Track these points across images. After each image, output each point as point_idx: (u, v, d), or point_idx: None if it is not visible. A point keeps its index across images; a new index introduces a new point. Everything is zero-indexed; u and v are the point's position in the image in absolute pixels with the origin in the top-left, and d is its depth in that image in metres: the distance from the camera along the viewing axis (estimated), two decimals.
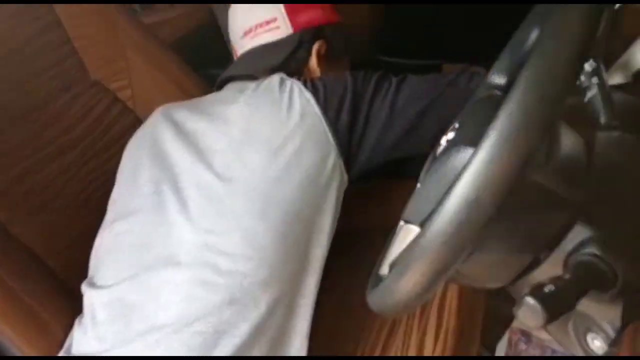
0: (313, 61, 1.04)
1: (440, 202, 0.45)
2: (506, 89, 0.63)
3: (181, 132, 0.92)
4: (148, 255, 0.80)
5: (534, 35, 0.60)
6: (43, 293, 0.85)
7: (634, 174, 0.58)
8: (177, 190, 0.84)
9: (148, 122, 1.00)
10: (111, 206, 0.93)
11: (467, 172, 0.43)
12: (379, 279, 0.58)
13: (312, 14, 1.05)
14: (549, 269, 0.53)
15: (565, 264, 0.51)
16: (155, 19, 1.44)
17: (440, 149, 0.60)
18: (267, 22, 1.03)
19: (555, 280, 0.44)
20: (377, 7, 1.57)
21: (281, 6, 1.04)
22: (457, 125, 0.60)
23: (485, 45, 0.90)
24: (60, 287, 0.90)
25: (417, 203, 0.59)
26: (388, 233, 0.63)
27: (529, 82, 0.43)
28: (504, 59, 0.64)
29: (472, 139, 0.54)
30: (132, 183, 0.90)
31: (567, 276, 0.46)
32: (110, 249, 0.85)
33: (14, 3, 1.05)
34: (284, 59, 1.02)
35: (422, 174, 0.65)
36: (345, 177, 0.91)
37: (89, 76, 1.13)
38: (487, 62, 0.68)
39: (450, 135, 0.59)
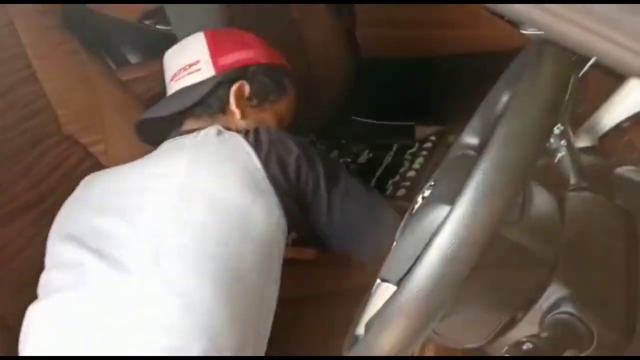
0: (232, 102, 1.00)
1: (417, 260, 0.45)
2: (479, 149, 0.64)
3: (107, 198, 0.87)
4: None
5: (504, 98, 0.63)
6: None
7: (604, 233, 0.59)
8: (104, 258, 0.77)
9: (77, 191, 0.94)
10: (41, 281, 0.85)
11: (443, 230, 0.44)
12: (356, 338, 0.57)
13: (239, 55, 1.02)
14: (526, 328, 0.53)
15: (542, 323, 0.51)
16: (130, 76, 1.45)
17: (416, 206, 0.61)
18: (190, 65, 1.02)
19: (533, 338, 0.44)
20: (351, 68, 1.61)
21: (206, 48, 1.02)
22: (432, 183, 0.60)
23: (456, 107, 0.93)
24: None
25: (393, 261, 0.59)
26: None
27: (501, 143, 0.44)
28: (476, 120, 0.66)
29: (447, 196, 0.54)
30: (56, 256, 0.84)
31: (544, 334, 0.46)
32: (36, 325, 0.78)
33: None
34: (198, 99, 0.99)
35: (397, 232, 0.65)
36: (286, 237, 0.87)
37: (61, 130, 1.12)
38: (458, 123, 0.70)
39: (426, 192, 0.60)
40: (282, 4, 1.38)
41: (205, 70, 1.01)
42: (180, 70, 1.03)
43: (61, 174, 1.08)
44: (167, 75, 1.07)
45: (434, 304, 0.43)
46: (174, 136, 0.97)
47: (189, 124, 1.01)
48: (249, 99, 1.02)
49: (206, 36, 1.04)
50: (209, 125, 0.94)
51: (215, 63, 1.01)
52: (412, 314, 0.43)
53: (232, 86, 1.00)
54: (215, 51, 1.02)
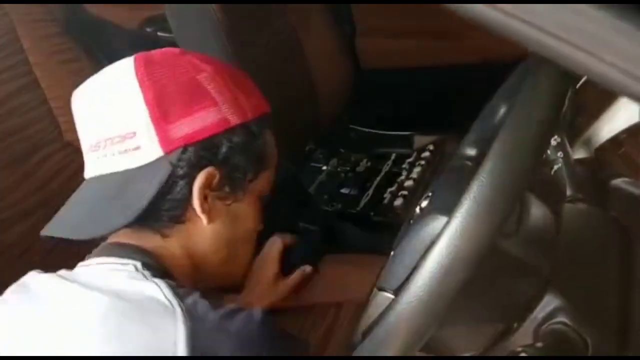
0: (196, 205, 0.64)
1: (414, 270, 0.46)
2: (477, 160, 0.65)
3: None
4: None
5: (502, 110, 0.64)
6: None
7: (600, 245, 0.60)
8: None
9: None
10: None
11: (440, 241, 0.44)
12: (353, 347, 0.58)
13: (202, 117, 0.63)
14: (521, 338, 0.54)
15: (537, 333, 0.52)
16: None
17: (413, 216, 0.62)
18: (122, 137, 0.62)
19: (528, 348, 0.44)
20: (350, 77, 1.62)
21: (144, 107, 0.62)
22: (430, 194, 0.61)
23: (454, 117, 0.93)
24: None
25: (391, 270, 0.59)
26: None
27: (500, 154, 0.45)
28: (474, 132, 0.67)
29: (445, 208, 0.55)
30: None
31: (539, 345, 0.47)
32: None
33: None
34: (142, 212, 0.62)
35: (395, 242, 0.65)
36: None
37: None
38: (457, 133, 0.71)
39: (424, 203, 0.61)
40: (281, 9, 1.38)
41: (149, 149, 0.62)
42: (105, 140, 0.64)
43: (62, 181, 1.08)
44: (82, 137, 0.68)
45: (431, 314, 0.44)
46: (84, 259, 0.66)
47: (114, 235, 0.66)
48: (217, 188, 0.66)
49: (142, 80, 0.63)
50: (147, 244, 0.65)
51: (162, 136, 0.62)
52: (409, 323, 0.44)
53: (194, 176, 0.64)
54: (161, 114, 0.62)
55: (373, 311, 0.57)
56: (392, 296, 0.54)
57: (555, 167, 0.68)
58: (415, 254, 0.53)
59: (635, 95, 0.36)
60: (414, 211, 0.62)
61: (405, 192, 1.27)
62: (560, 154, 0.69)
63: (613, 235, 0.59)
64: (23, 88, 1.08)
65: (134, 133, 0.62)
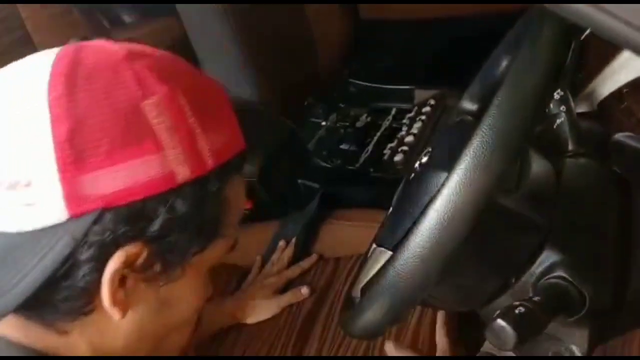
0: (105, 298, 0.44)
1: (413, 226, 0.46)
2: (478, 115, 0.64)
3: None
4: None
5: (504, 63, 0.62)
6: None
7: (600, 200, 0.60)
8: None
9: None
10: None
11: (439, 197, 0.44)
12: (352, 302, 0.58)
13: (132, 171, 0.42)
14: (519, 293, 0.54)
15: (535, 288, 0.52)
16: (124, 36, 1.42)
17: (413, 173, 0.61)
18: (12, 185, 0.41)
19: (525, 303, 0.45)
20: (349, 30, 1.59)
21: (52, 152, 0.41)
22: (430, 149, 0.61)
23: (455, 70, 0.92)
24: None
25: (390, 227, 0.59)
26: None
27: (500, 110, 0.44)
28: (475, 86, 0.66)
29: (444, 163, 0.54)
30: None
31: (536, 299, 0.47)
32: None
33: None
34: (23, 302, 0.43)
35: (395, 198, 0.65)
36: None
37: None
38: (458, 87, 0.70)
39: (424, 159, 0.60)
40: None
41: (45, 209, 0.41)
42: None
43: None
44: None
45: (429, 271, 0.44)
46: None
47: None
48: (142, 269, 0.45)
49: (54, 103, 0.41)
50: (38, 341, 0.47)
51: (69, 192, 0.41)
52: (407, 281, 0.44)
53: (107, 257, 0.43)
54: (74, 158, 0.41)
55: (371, 267, 0.58)
56: (390, 252, 0.55)
57: (558, 121, 0.67)
58: (414, 210, 0.53)
59: None
60: (414, 167, 0.61)
61: (405, 148, 1.26)
62: (562, 108, 0.67)
63: (613, 190, 0.59)
64: (16, 43, 1.06)
65: (29, 182, 0.41)
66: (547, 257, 0.53)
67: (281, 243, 1.06)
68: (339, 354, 0.84)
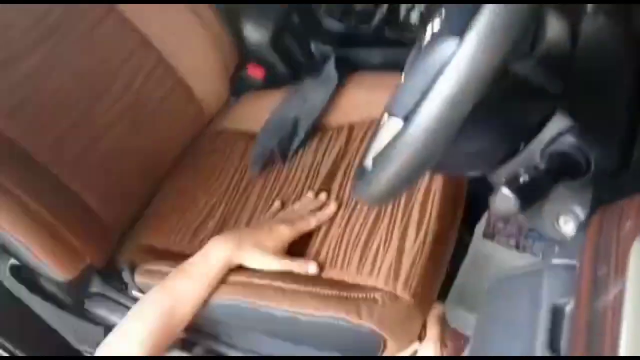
0: None
1: (424, 95, 0.46)
2: None
3: None
4: None
5: None
6: (70, 218, 0.88)
7: (616, 61, 0.59)
8: None
9: None
10: None
11: (451, 64, 0.44)
12: (364, 171, 0.60)
13: None
14: (527, 158, 0.55)
15: (542, 154, 0.53)
16: None
17: (425, 40, 0.60)
18: None
19: (530, 170, 0.46)
20: None
21: None
22: (442, 16, 0.59)
23: None
24: (89, 215, 0.93)
25: (401, 96, 0.59)
26: None
27: None
28: None
29: (456, 29, 0.53)
30: None
31: (542, 166, 0.48)
32: None
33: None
34: None
35: (406, 66, 0.64)
36: None
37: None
38: None
39: (436, 26, 0.58)
40: None
41: None
42: None
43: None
44: None
45: (439, 138, 0.45)
46: None
47: None
48: None
49: None
50: None
51: None
52: (417, 150, 0.45)
53: None
54: None
55: (383, 137, 0.59)
56: (401, 122, 0.55)
57: None
58: (426, 78, 0.53)
59: None
60: (425, 33, 0.60)
61: (421, 8, 1.21)
62: None
63: (630, 53, 0.58)
64: None
65: None
66: (557, 123, 0.53)
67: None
68: (351, 219, 0.87)
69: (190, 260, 0.82)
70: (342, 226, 0.88)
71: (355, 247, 0.84)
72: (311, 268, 0.83)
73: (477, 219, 1.21)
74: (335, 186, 0.94)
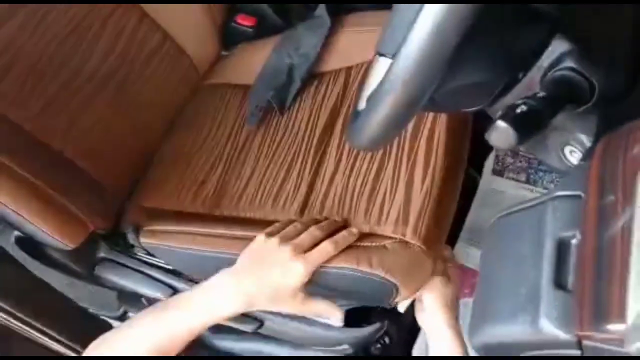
0: None
1: (411, 27, 0.44)
2: None
3: None
4: None
5: None
6: (70, 187, 0.86)
7: None
8: None
9: None
10: None
11: None
12: (356, 114, 0.58)
13: None
14: (527, 88, 0.53)
15: (542, 82, 0.51)
16: None
17: None
18: None
19: (528, 100, 0.43)
20: None
21: None
22: None
23: None
24: (87, 182, 0.91)
25: (389, 33, 0.56)
26: None
27: None
28: None
29: None
30: None
31: (541, 94, 0.46)
32: None
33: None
34: None
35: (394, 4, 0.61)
36: None
37: None
38: None
39: None
40: None
41: None
42: None
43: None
44: None
45: (429, 71, 0.42)
46: None
47: None
48: None
49: None
50: None
51: None
52: (406, 84, 0.43)
53: None
54: None
55: (375, 77, 0.56)
56: (390, 60, 0.53)
57: None
58: (412, 12, 0.50)
59: None
60: None
61: None
62: None
63: None
64: None
65: None
66: (556, 48, 0.50)
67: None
68: (355, 167, 0.85)
69: (192, 296, 0.72)
70: (346, 174, 0.85)
71: (361, 196, 0.82)
72: (335, 320, 0.76)
73: (485, 156, 1.19)
74: (337, 132, 0.91)
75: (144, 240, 0.90)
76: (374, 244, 0.76)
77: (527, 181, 1.18)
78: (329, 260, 0.73)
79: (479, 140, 1.01)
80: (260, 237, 0.74)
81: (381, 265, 0.73)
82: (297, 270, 0.70)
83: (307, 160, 0.89)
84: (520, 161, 1.20)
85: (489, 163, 1.21)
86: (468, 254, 1.13)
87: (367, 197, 0.81)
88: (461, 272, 0.91)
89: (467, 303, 1.07)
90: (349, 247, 0.75)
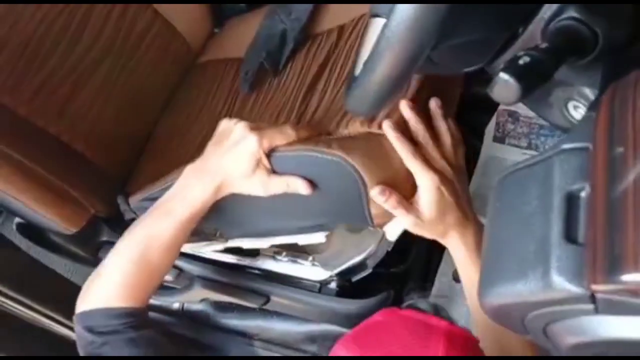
0: None
1: None
2: None
3: None
4: None
5: None
6: (67, 171, 0.86)
7: None
8: None
9: None
10: None
11: None
12: (355, 79, 0.57)
13: None
14: (528, 43, 0.51)
15: (543, 33, 0.49)
16: None
17: None
18: None
19: (530, 52, 0.42)
20: None
21: None
22: None
23: None
24: (85, 165, 0.90)
25: None
26: None
27: None
28: None
29: None
30: None
31: (543, 46, 0.44)
32: None
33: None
34: None
35: None
36: None
37: None
38: None
39: None
40: None
41: None
42: None
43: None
44: None
45: (424, 26, 0.41)
46: None
47: None
48: None
49: None
50: None
51: None
52: (400, 45, 0.42)
53: None
54: None
55: (370, 39, 0.54)
56: (385, 20, 0.51)
57: None
58: None
59: None
60: None
61: None
62: None
63: None
64: None
65: None
66: None
67: None
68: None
69: (167, 196, 0.75)
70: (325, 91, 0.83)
71: (339, 109, 0.77)
72: (302, 188, 0.70)
73: (485, 124, 1.17)
74: (319, 87, 0.88)
75: (133, 202, 0.90)
76: (336, 135, 0.72)
77: (529, 146, 1.16)
78: (288, 145, 0.70)
79: (479, 108, 1.00)
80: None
81: (341, 148, 0.68)
82: (251, 140, 0.69)
83: (294, 107, 0.87)
84: (522, 127, 1.18)
85: (490, 130, 1.19)
86: None
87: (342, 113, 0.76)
88: None
89: None
90: (312, 140, 0.71)
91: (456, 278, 1.02)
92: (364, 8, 0.54)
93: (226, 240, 0.91)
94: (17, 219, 0.90)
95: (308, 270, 0.92)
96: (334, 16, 0.97)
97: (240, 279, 0.97)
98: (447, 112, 0.76)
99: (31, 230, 0.91)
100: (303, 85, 0.90)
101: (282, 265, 0.94)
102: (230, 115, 0.95)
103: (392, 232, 0.81)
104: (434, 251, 1.02)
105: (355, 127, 0.73)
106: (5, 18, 0.87)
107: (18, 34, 0.87)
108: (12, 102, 0.84)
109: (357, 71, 0.57)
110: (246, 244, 0.90)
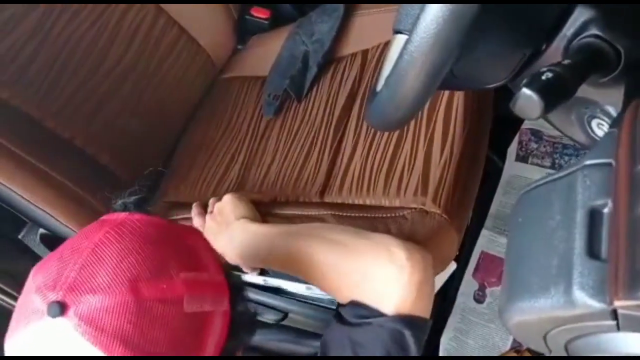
0: None
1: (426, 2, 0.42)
2: None
3: None
4: None
5: None
6: (92, 185, 0.88)
7: None
8: None
9: None
10: None
11: None
12: (376, 94, 0.57)
13: None
14: (551, 59, 0.51)
15: (566, 51, 0.49)
16: None
17: None
18: None
19: (553, 68, 0.42)
20: None
21: None
22: None
23: None
24: (109, 177, 0.92)
25: (406, 9, 0.55)
26: None
27: None
28: None
29: None
30: None
31: (566, 62, 0.44)
32: None
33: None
34: None
35: None
36: None
37: None
38: None
39: None
40: None
41: None
42: None
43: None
44: None
45: (445, 46, 0.41)
46: None
47: None
48: None
49: None
50: None
51: None
52: (425, 55, 0.42)
53: None
54: None
55: (393, 56, 0.55)
56: (407, 36, 0.51)
57: None
58: None
59: None
60: None
61: None
62: None
63: None
64: None
65: None
66: (580, 15, 0.49)
67: None
68: (373, 145, 0.83)
69: None
70: (364, 153, 0.84)
71: (379, 172, 0.80)
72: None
73: (508, 143, 1.17)
74: (354, 113, 0.90)
75: None
76: (392, 214, 0.74)
77: (553, 166, 1.16)
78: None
79: (501, 126, 1.00)
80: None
81: (400, 233, 0.70)
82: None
83: (326, 144, 0.88)
84: (545, 146, 1.17)
85: (512, 149, 1.19)
86: (493, 242, 1.11)
87: (386, 171, 0.79)
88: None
89: (493, 292, 1.06)
90: (366, 219, 0.73)
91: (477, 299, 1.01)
92: (388, 33, 0.55)
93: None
94: (42, 230, 0.91)
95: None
96: (357, 40, 0.98)
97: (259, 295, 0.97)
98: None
99: (56, 241, 0.92)
100: (333, 116, 0.91)
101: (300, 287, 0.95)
102: (255, 138, 0.97)
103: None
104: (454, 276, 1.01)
105: (408, 198, 0.75)
106: (35, 34, 0.89)
107: (47, 50, 0.90)
108: (39, 115, 0.86)
109: (379, 86, 0.58)
110: (285, 285, 0.90)
